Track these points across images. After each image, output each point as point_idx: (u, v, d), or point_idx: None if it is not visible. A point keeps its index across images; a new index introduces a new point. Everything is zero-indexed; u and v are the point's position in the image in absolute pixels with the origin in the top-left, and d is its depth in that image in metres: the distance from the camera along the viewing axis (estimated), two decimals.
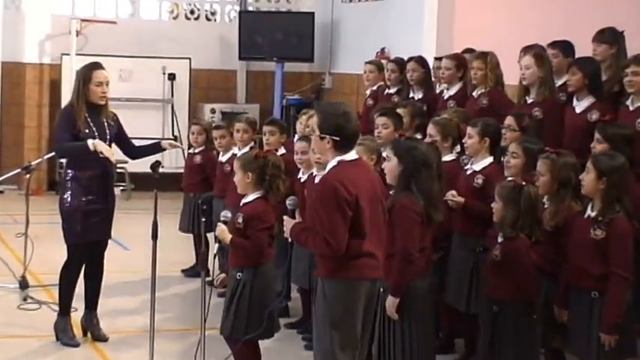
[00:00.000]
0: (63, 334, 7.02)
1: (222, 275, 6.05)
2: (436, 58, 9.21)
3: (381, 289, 5.36)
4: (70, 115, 6.82)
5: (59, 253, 7.10)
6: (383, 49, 12.20)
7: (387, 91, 9.29)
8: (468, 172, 6.62)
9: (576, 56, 7.52)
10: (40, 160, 9.68)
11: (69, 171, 6.90)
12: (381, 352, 5.72)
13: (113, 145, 6.98)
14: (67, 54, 13.16)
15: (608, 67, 7.23)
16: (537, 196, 5.74)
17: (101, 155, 6.73)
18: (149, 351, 6.03)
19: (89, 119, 6.82)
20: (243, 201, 5.98)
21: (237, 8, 14.62)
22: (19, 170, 8.87)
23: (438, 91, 8.80)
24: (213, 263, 6.35)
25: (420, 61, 8.92)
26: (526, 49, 7.49)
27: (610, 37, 7.33)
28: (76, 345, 6.98)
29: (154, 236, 5.97)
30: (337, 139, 5.00)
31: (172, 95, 13.71)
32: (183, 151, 11.45)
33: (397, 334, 5.70)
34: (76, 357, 6.89)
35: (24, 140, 13.58)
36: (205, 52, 14.16)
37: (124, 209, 9.91)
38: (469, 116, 7.22)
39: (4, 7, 13.42)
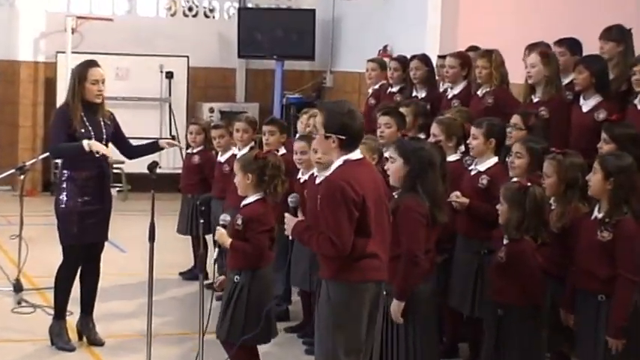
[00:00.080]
0: (58, 338, 7.03)
1: (222, 277, 6.06)
2: (439, 56, 9.22)
3: (384, 292, 5.36)
4: (66, 114, 6.84)
5: (54, 256, 7.11)
6: (385, 47, 12.21)
7: (389, 89, 9.30)
8: (473, 173, 6.63)
9: (583, 54, 7.52)
10: (34, 160, 9.69)
11: (64, 171, 6.91)
12: (383, 358, 5.72)
13: (110, 145, 7.00)
14: (63, 52, 13.19)
15: (616, 65, 7.23)
16: (543, 197, 5.75)
17: (97, 155, 6.75)
18: (146, 356, 6.05)
19: (85, 118, 6.83)
20: (243, 203, 5.99)
21: (237, 5, 14.63)
22: (13, 171, 8.87)
23: (441, 90, 8.81)
24: (213, 268, 6.36)
25: (424, 59, 8.93)
26: (531, 47, 7.49)
27: (617, 34, 7.34)
28: (72, 349, 6.99)
29: (151, 238, 5.98)
30: (343, 137, 5.01)
31: (170, 94, 13.73)
32: (181, 150, 11.46)
33: (400, 338, 5.71)
34: None
35: (18, 140, 13.60)
36: (204, 49, 14.17)
37: (121, 210, 9.89)
38: (472, 116, 7.23)
39: None
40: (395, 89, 9.20)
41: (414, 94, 8.84)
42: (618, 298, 5.36)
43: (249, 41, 14.04)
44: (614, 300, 5.37)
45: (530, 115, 6.81)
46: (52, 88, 13.31)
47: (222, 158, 8.72)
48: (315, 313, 5.21)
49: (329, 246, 4.92)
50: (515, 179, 6.11)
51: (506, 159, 6.46)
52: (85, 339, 7.14)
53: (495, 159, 6.59)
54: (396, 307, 5.64)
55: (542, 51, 7.30)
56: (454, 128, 6.88)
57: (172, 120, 13.59)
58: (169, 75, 13.70)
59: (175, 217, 9.25)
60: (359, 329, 5.07)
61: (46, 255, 7.72)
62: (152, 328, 6.07)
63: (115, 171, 9.97)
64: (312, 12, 13.98)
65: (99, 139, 6.82)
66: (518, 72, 7.75)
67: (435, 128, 6.89)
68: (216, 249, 5.93)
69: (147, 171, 6.12)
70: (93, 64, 6.93)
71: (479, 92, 7.93)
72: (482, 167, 6.59)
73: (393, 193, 5.77)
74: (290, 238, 5.34)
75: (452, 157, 6.74)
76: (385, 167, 5.97)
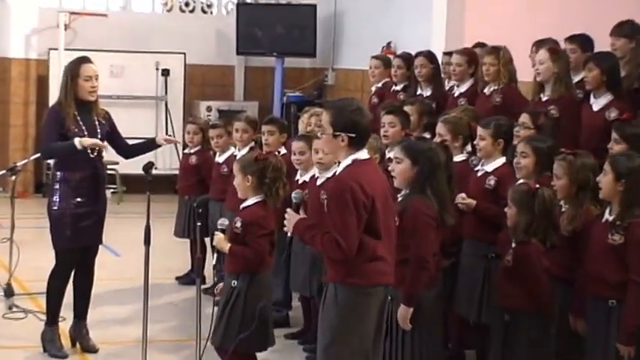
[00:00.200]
0: (50, 344, 7.04)
1: (222, 285, 6.06)
2: (445, 53, 9.23)
3: (389, 297, 5.36)
4: (58, 113, 6.84)
5: (47, 260, 7.13)
6: (389, 44, 12.23)
7: (393, 88, 9.31)
8: (480, 174, 6.63)
9: (595, 51, 7.53)
10: (26, 160, 9.69)
11: (57, 173, 6.92)
12: None
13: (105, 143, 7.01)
14: (55, 49, 13.21)
15: (627, 62, 7.23)
16: (552, 200, 5.75)
17: (92, 155, 6.77)
18: None
19: (79, 118, 6.84)
20: (242, 205, 5.99)
21: (235, 0, 14.65)
22: (4, 172, 8.88)
23: (447, 88, 8.82)
24: (213, 273, 6.38)
25: (429, 56, 8.94)
26: (539, 44, 7.50)
27: (629, 30, 7.34)
28: (65, 356, 6.99)
29: (147, 241, 5.99)
30: (353, 135, 5.02)
31: (166, 92, 13.75)
32: (177, 147, 11.48)
33: (406, 345, 5.72)
34: None
35: (9, 140, 13.62)
36: (201, 46, 14.19)
37: (115, 213, 9.94)
38: (479, 115, 7.24)
39: None
40: (399, 87, 9.21)
41: (419, 92, 8.84)
42: (629, 303, 5.35)
43: (248, 37, 14.05)
44: (625, 305, 5.37)
45: (539, 114, 6.81)
46: (44, 86, 13.34)
47: (220, 159, 8.73)
48: (320, 317, 5.20)
49: (334, 247, 4.91)
50: (522, 181, 6.12)
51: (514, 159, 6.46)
52: (78, 345, 7.15)
53: (503, 159, 6.58)
54: (404, 312, 5.64)
55: (551, 47, 7.31)
56: (460, 127, 6.89)
57: (169, 119, 13.61)
58: (165, 72, 13.73)
59: (171, 220, 9.27)
60: (367, 335, 5.08)
61: (38, 259, 7.72)
62: (148, 335, 6.09)
63: (109, 172, 9.98)
64: (313, 7, 13.99)
65: None
66: (526, 69, 7.76)
67: (440, 128, 6.89)
68: (215, 254, 5.94)
69: (142, 172, 6.14)
70: (85, 60, 6.95)
71: (486, 90, 7.94)
72: (489, 168, 6.59)
73: (398, 195, 5.77)
74: (289, 234, 5.32)
75: (458, 158, 6.74)
76: (389, 168, 5.97)
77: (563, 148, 6.14)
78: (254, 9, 14.51)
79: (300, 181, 7.23)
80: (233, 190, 6.26)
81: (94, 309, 7.29)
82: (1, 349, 7.19)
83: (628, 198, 5.44)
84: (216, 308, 5.93)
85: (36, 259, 8.08)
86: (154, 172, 6.19)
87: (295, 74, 14.47)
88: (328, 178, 6.67)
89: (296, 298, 7.89)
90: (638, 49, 7.24)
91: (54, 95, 8.70)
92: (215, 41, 14.50)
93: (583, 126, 7.03)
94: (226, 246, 5.83)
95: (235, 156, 7.98)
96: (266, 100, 14.22)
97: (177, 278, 9.19)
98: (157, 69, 13.72)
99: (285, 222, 5.24)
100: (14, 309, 8.00)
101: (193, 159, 9.06)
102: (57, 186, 6.89)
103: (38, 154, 8.08)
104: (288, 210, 5.26)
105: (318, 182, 6.91)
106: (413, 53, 9.18)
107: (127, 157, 7.32)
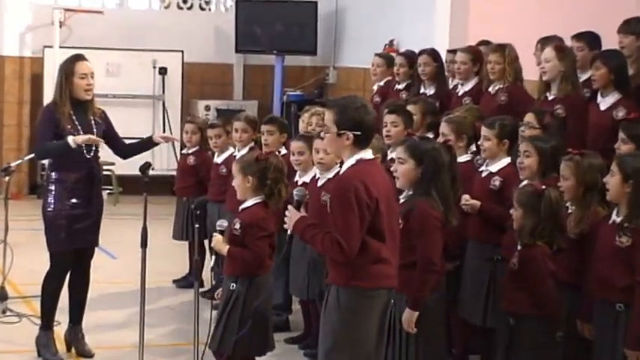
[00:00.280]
0: (45, 349, 7.03)
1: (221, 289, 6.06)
2: (449, 51, 9.23)
3: (391, 301, 5.36)
4: (53, 113, 6.84)
5: (41, 262, 7.12)
6: (391, 41, 12.23)
7: (396, 86, 9.31)
8: (484, 174, 6.63)
9: (603, 49, 7.52)
10: (20, 161, 9.65)
11: (52, 173, 6.92)
12: None
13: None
14: (50, 46, 13.20)
15: (635, 60, 7.23)
16: (559, 201, 5.74)
17: (89, 156, 6.77)
18: None
19: (74, 117, 6.83)
20: (242, 206, 5.98)
21: None
22: None
23: (451, 87, 8.82)
24: (211, 276, 6.37)
25: (432, 54, 8.95)
26: (544, 41, 7.49)
27: (637, 27, 7.33)
28: None
29: (144, 244, 5.99)
30: (358, 133, 5.01)
31: (163, 91, 13.75)
32: (174, 145, 11.48)
33: (409, 349, 5.72)
34: None
35: (3, 140, 13.62)
36: (199, 44, 14.19)
37: (111, 214, 9.94)
38: (483, 114, 7.23)
39: None
40: (401, 86, 9.21)
41: (422, 90, 8.84)
42: (637, 307, 5.35)
43: (248, 35, 14.05)
44: (632, 309, 5.37)
45: (544, 114, 6.80)
46: (38, 84, 13.34)
47: (219, 159, 8.72)
48: (321, 320, 5.19)
49: (336, 248, 4.91)
50: (527, 182, 6.11)
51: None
52: (73, 350, 7.15)
53: (508, 159, 6.58)
54: (409, 316, 5.64)
55: (557, 45, 7.30)
56: (464, 127, 6.89)
57: (166, 119, 13.61)
58: (163, 71, 13.72)
59: (169, 221, 9.26)
60: (370, 339, 5.08)
61: (33, 261, 7.73)
62: (144, 339, 6.08)
63: (105, 173, 9.98)
64: (314, 4, 13.98)
65: None
66: (532, 68, 7.76)
67: (444, 127, 6.90)
68: (213, 257, 5.93)
69: (139, 172, 6.13)
70: (80, 57, 6.95)
71: (491, 89, 7.93)
72: (494, 168, 6.60)
73: (400, 197, 5.77)
74: (289, 232, 5.32)
75: (462, 158, 6.74)
76: (392, 168, 5.97)
77: (569, 148, 6.13)
78: (253, 6, 14.49)
79: (299, 182, 7.22)
80: (232, 192, 6.26)
81: (89, 313, 7.29)
82: None
83: (636, 199, 5.43)
84: (214, 312, 5.93)
85: (30, 261, 8.08)
86: (151, 172, 6.19)
87: (295, 73, 14.46)
88: (329, 179, 6.68)
89: (296, 301, 7.88)
90: None
91: (49, 94, 8.71)
92: (213, 39, 14.50)
93: (590, 125, 7.02)
94: (225, 248, 5.82)
95: (234, 156, 7.97)
96: (266, 99, 14.22)
97: (175, 281, 9.18)
98: (154, 67, 13.72)
99: (285, 219, 5.23)
100: (8, 313, 7.99)
101: (191, 159, 9.06)
102: (52, 187, 6.88)
103: (32, 155, 8.08)
104: (289, 207, 5.25)
105: (319, 183, 6.91)
106: (416, 51, 9.18)
107: (124, 157, 7.31)
